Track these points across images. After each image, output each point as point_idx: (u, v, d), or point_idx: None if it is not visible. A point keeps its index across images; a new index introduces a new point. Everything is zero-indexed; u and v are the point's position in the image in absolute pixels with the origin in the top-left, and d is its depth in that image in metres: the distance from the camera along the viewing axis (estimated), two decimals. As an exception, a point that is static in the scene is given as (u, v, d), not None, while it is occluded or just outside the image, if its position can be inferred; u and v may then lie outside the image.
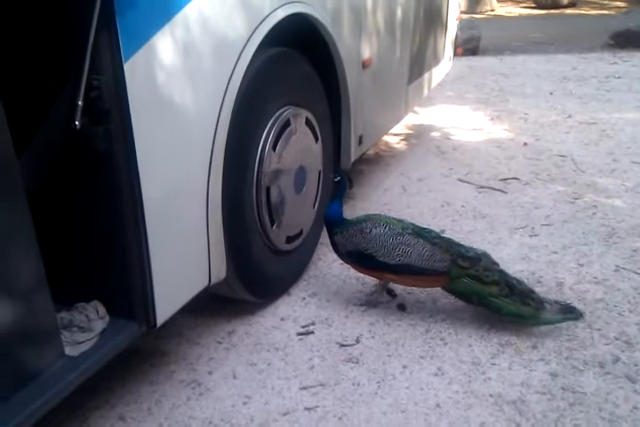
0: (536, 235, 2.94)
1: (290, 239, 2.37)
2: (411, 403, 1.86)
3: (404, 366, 2.03)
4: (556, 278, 2.53)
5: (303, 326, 2.25)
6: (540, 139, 4.46)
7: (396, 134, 4.66)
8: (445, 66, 4.73)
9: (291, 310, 2.37)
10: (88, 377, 1.52)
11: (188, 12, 1.58)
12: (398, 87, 3.53)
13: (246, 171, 2.02)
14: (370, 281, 2.50)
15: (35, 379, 1.42)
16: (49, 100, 1.48)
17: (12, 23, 1.44)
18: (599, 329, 2.20)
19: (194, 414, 1.83)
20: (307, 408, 1.84)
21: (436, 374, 1.98)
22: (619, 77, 6.42)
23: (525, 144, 4.33)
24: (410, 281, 2.26)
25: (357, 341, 2.16)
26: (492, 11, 13.35)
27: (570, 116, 5.01)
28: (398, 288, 2.44)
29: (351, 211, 3.08)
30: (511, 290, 2.14)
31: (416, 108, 5.10)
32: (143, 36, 1.44)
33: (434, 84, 4.46)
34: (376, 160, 4.13)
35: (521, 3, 14.70)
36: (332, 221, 2.28)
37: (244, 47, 1.84)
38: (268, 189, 2.13)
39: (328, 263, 2.71)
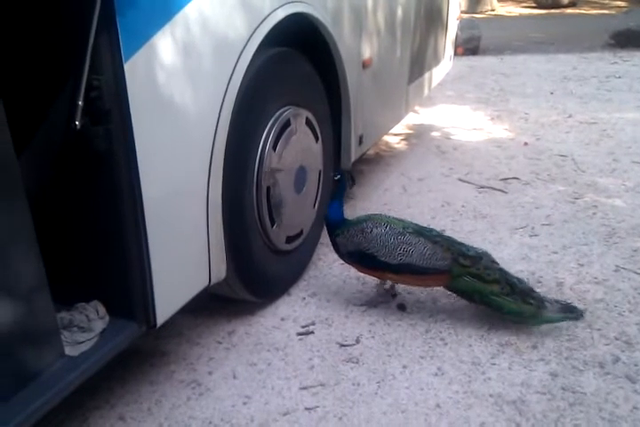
0: (536, 235, 2.94)
1: (290, 239, 2.37)
2: (411, 403, 1.86)
3: (404, 366, 2.03)
4: (557, 278, 2.53)
5: (303, 326, 2.25)
6: (540, 138, 4.46)
7: (396, 134, 4.66)
8: (446, 65, 4.73)
9: (291, 310, 2.37)
10: (88, 377, 1.52)
11: (189, 12, 1.58)
12: (399, 87, 3.53)
13: (246, 171, 2.02)
14: (370, 281, 2.50)
15: (35, 379, 1.42)
16: (49, 100, 1.48)
17: (12, 23, 1.44)
18: (599, 329, 2.20)
19: (194, 414, 1.83)
20: (307, 408, 1.84)
21: (436, 375, 1.98)
22: (619, 77, 6.42)
23: (526, 144, 4.33)
24: (411, 280, 2.26)
25: (357, 341, 2.16)
26: (493, 10, 13.35)
27: (570, 116, 5.01)
28: (398, 288, 2.43)
29: (351, 211, 3.08)
30: (512, 289, 2.14)
31: (416, 108, 5.10)
32: (143, 35, 1.44)
33: (434, 83, 4.46)
34: (376, 160, 4.13)
35: (521, 2, 14.70)
36: (332, 222, 2.28)
37: (245, 47, 1.84)
38: (268, 189, 2.13)
39: (328, 263, 2.71)
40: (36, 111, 1.51)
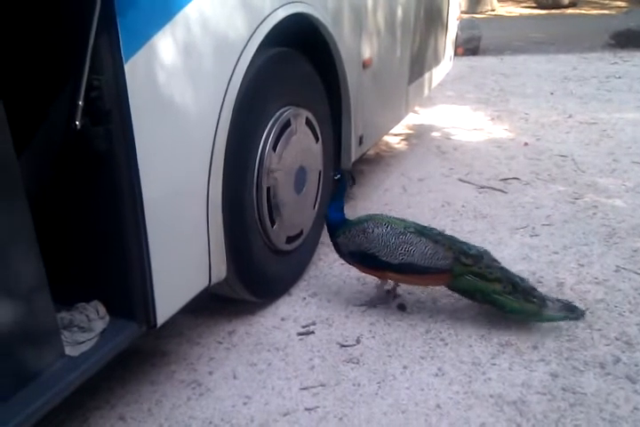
0: (537, 235, 2.94)
1: (290, 239, 2.36)
2: (411, 403, 1.86)
3: (405, 367, 2.03)
4: (557, 279, 2.53)
5: (304, 327, 2.25)
6: (540, 139, 4.46)
7: (396, 134, 4.66)
8: (446, 66, 4.73)
9: (291, 310, 2.37)
10: (88, 377, 1.52)
11: (189, 12, 1.58)
12: (399, 87, 3.53)
13: (246, 171, 2.02)
14: (370, 281, 2.50)
15: (35, 379, 1.42)
16: (49, 100, 1.48)
17: (12, 23, 1.44)
18: (600, 330, 2.20)
19: (194, 414, 1.83)
20: (307, 409, 1.84)
21: (437, 375, 1.98)
22: (619, 77, 6.42)
23: (526, 144, 4.33)
24: (413, 280, 2.26)
25: (358, 341, 2.16)
26: (493, 10, 13.35)
27: (570, 116, 5.01)
28: (399, 288, 2.43)
29: (352, 211, 3.08)
30: (514, 287, 2.14)
31: (416, 108, 5.10)
32: (144, 36, 1.44)
33: (434, 84, 4.46)
34: (376, 160, 4.13)
35: (521, 2, 14.70)
36: (333, 222, 2.28)
37: (245, 47, 1.84)
38: (268, 190, 2.13)
39: (328, 263, 2.71)
40: (37, 111, 1.51)
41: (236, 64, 1.81)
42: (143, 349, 2.12)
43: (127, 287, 1.60)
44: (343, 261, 2.41)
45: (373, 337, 2.19)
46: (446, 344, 2.14)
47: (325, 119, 2.57)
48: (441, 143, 4.44)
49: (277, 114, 2.16)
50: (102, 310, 1.64)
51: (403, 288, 2.43)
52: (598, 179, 3.66)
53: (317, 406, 1.85)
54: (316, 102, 2.46)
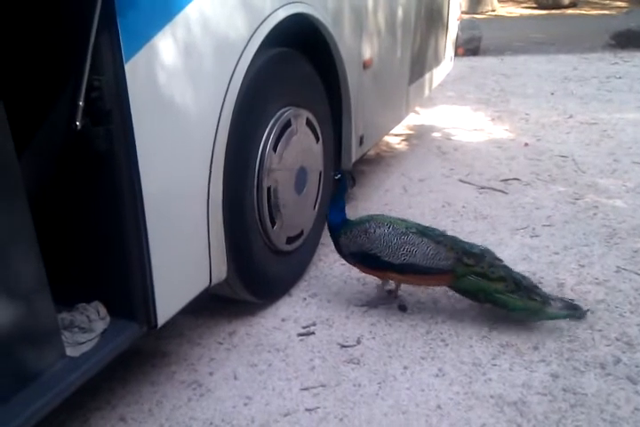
0: (537, 235, 2.94)
1: (290, 240, 2.36)
2: (412, 404, 1.86)
3: (405, 367, 2.02)
4: (557, 279, 2.53)
5: (304, 327, 2.25)
6: (540, 139, 4.46)
7: (396, 135, 4.66)
8: (446, 66, 4.73)
9: (291, 310, 2.37)
10: (89, 378, 1.52)
11: (189, 13, 1.58)
12: (399, 87, 3.53)
13: (247, 171, 2.02)
14: (371, 282, 2.50)
15: (35, 380, 1.42)
16: (50, 100, 1.48)
17: (12, 23, 1.44)
18: (600, 330, 2.19)
19: (195, 414, 1.83)
20: (307, 409, 1.84)
21: (437, 375, 1.98)
22: (620, 78, 6.41)
23: (526, 145, 4.33)
24: (415, 280, 2.26)
25: (358, 341, 2.16)
26: (493, 11, 13.34)
27: (571, 117, 5.01)
28: (399, 289, 2.43)
29: (352, 211, 3.08)
30: (517, 286, 2.14)
31: (417, 109, 5.10)
32: (144, 36, 1.44)
33: (435, 84, 4.46)
34: (377, 161, 4.12)
35: (522, 3, 14.70)
36: (335, 222, 2.27)
37: (245, 47, 1.84)
38: (268, 190, 2.13)
39: (329, 264, 2.71)
40: (37, 112, 1.51)
41: (237, 64, 1.81)
42: (144, 349, 2.12)
43: (128, 288, 1.60)
44: (344, 262, 2.41)
45: (374, 338, 2.19)
46: (447, 345, 2.14)
47: (326, 119, 2.57)
48: (441, 144, 4.44)
49: (278, 114, 2.16)
50: (103, 310, 1.64)
51: (403, 289, 2.43)
52: (599, 179, 3.65)
53: (318, 407, 1.85)
54: (316, 103, 2.46)
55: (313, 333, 2.22)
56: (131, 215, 1.52)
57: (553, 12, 13.09)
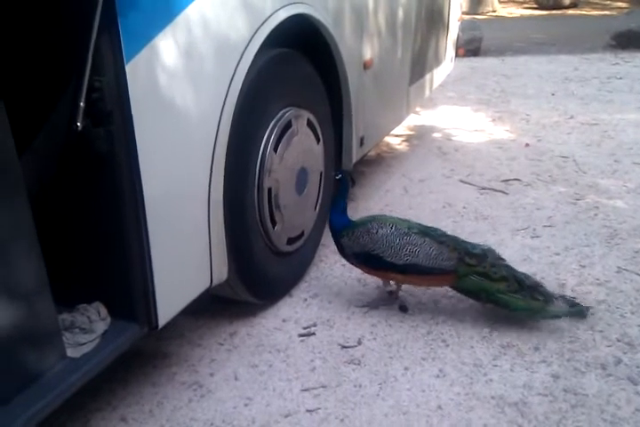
0: (538, 236, 2.94)
1: (291, 241, 2.36)
2: (412, 405, 1.86)
3: (406, 368, 2.02)
4: (558, 280, 2.53)
5: (305, 328, 2.25)
6: (541, 140, 4.46)
7: (397, 135, 4.66)
8: (447, 67, 4.73)
9: (292, 311, 2.37)
10: (90, 379, 1.52)
11: (190, 14, 1.58)
12: (400, 88, 3.53)
13: (248, 172, 2.02)
14: (371, 282, 2.50)
15: (36, 381, 1.42)
16: (51, 101, 1.48)
17: (13, 24, 1.44)
18: (601, 331, 2.19)
19: (195, 415, 1.83)
20: (308, 410, 1.84)
21: (438, 376, 1.98)
22: (620, 78, 6.41)
23: (527, 145, 4.33)
24: (418, 281, 2.26)
25: (359, 342, 2.16)
26: (494, 11, 13.34)
27: (571, 117, 5.00)
28: (401, 289, 2.43)
29: (353, 212, 3.07)
30: (520, 285, 2.14)
31: (417, 109, 5.10)
32: (145, 37, 1.44)
33: (435, 84, 4.46)
34: (377, 161, 4.12)
35: (522, 3, 14.70)
36: (337, 223, 2.27)
37: (246, 48, 1.84)
38: (269, 191, 2.13)
39: (329, 265, 2.71)
40: (38, 112, 1.51)
41: (238, 65, 1.81)
42: (144, 350, 2.12)
43: (128, 289, 1.60)
44: (344, 263, 2.41)
45: (375, 338, 2.19)
46: (447, 346, 2.14)
47: (326, 120, 2.57)
48: (442, 144, 4.44)
49: (279, 115, 2.16)
50: (104, 311, 1.64)
51: (404, 290, 2.42)
52: (599, 180, 3.65)
53: (318, 408, 1.85)
54: (317, 103, 2.46)
55: (314, 333, 2.22)
56: (131, 215, 1.52)
57: (554, 12, 13.10)
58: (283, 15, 2.01)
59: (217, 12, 1.69)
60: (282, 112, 2.17)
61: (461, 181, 3.68)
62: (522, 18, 12.86)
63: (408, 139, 4.63)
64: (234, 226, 1.96)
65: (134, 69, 1.41)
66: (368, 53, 2.83)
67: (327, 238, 2.40)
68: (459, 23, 4.99)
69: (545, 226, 3.05)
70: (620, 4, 14.12)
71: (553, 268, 2.63)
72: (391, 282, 2.36)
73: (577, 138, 4.48)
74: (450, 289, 2.31)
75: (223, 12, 1.73)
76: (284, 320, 2.30)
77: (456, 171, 3.86)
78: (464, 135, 4.63)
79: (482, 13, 12.87)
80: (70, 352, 1.52)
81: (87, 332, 1.57)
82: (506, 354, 2.08)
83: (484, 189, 3.56)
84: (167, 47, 1.51)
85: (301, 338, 2.19)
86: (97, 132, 1.43)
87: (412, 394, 1.90)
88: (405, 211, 3.25)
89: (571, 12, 13.19)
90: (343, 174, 2.28)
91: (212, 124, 1.75)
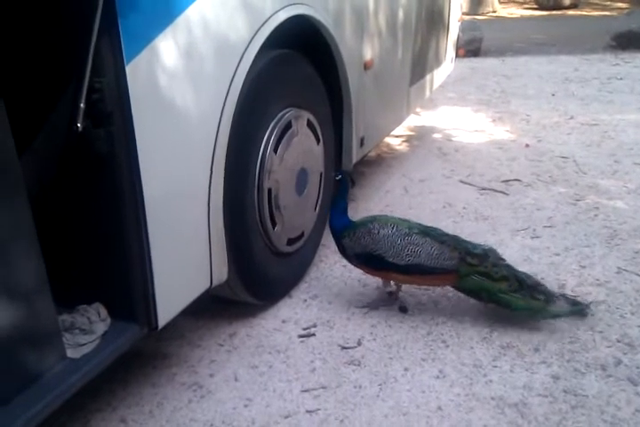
0: (538, 236, 2.94)
1: (291, 241, 2.36)
2: (412, 406, 1.86)
3: (406, 369, 2.02)
4: (558, 280, 2.53)
5: (304, 329, 2.25)
6: (541, 140, 4.46)
7: (397, 136, 4.66)
8: (447, 67, 4.73)
9: (292, 312, 2.36)
10: (90, 379, 1.52)
11: (190, 15, 1.58)
12: (400, 89, 3.53)
13: (248, 173, 2.02)
14: (371, 283, 2.50)
15: (36, 381, 1.42)
16: (51, 102, 1.48)
17: (13, 25, 1.44)
18: (601, 331, 2.19)
19: (195, 416, 1.83)
20: (308, 411, 1.84)
21: (438, 377, 1.98)
22: (621, 79, 6.41)
23: (527, 146, 4.33)
24: (420, 281, 2.26)
25: (359, 343, 2.16)
26: (494, 12, 13.35)
27: (572, 118, 5.01)
28: (401, 290, 2.43)
29: (353, 212, 3.07)
30: (520, 285, 2.15)
31: (418, 110, 5.10)
32: (145, 38, 1.44)
33: (436, 85, 4.46)
34: (378, 162, 4.13)
35: (523, 4, 14.71)
36: (338, 224, 2.27)
37: (246, 49, 1.84)
38: (269, 191, 2.13)
39: (329, 265, 2.71)
40: (38, 113, 1.51)
41: (238, 66, 1.81)
42: (144, 351, 2.12)
43: (128, 289, 1.61)
44: (344, 263, 2.41)
45: (374, 339, 2.19)
46: (447, 346, 2.14)
47: (327, 121, 2.57)
48: (442, 145, 4.44)
49: (279, 116, 2.16)
50: (104, 312, 1.64)
51: (404, 290, 2.42)
52: (600, 180, 3.65)
53: (318, 409, 1.85)
54: (317, 104, 2.46)
55: (313, 334, 2.22)
56: (131, 217, 1.52)
57: (554, 12, 13.10)
58: (283, 16, 2.01)
59: (217, 13, 1.69)
60: (282, 113, 2.17)
61: (461, 182, 3.68)
62: (522, 18, 12.87)
63: (408, 139, 4.64)
64: (234, 227, 1.96)
65: (134, 70, 1.41)
66: (368, 54, 2.84)
67: (327, 239, 2.40)
68: (459, 24, 5.00)
69: (545, 226, 3.05)
70: (620, 4, 14.13)
71: (553, 268, 2.63)
72: (391, 282, 2.36)
73: (577, 138, 4.48)
74: (450, 290, 2.31)
75: (223, 13, 1.73)
76: (283, 321, 2.30)
77: (456, 171, 3.87)
78: (464, 136, 4.63)
79: (482, 14, 12.88)
80: (70, 353, 1.52)
81: (87, 333, 1.57)
82: (506, 355, 2.08)
83: (484, 189, 3.56)
84: (167, 48, 1.51)
85: (301, 339, 2.19)
86: (97, 133, 1.43)
87: (411, 395, 1.90)
88: (405, 211, 3.25)
89: (571, 12, 13.20)
90: (343, 175, 2.28)
91: (213, 125, 1.75)
